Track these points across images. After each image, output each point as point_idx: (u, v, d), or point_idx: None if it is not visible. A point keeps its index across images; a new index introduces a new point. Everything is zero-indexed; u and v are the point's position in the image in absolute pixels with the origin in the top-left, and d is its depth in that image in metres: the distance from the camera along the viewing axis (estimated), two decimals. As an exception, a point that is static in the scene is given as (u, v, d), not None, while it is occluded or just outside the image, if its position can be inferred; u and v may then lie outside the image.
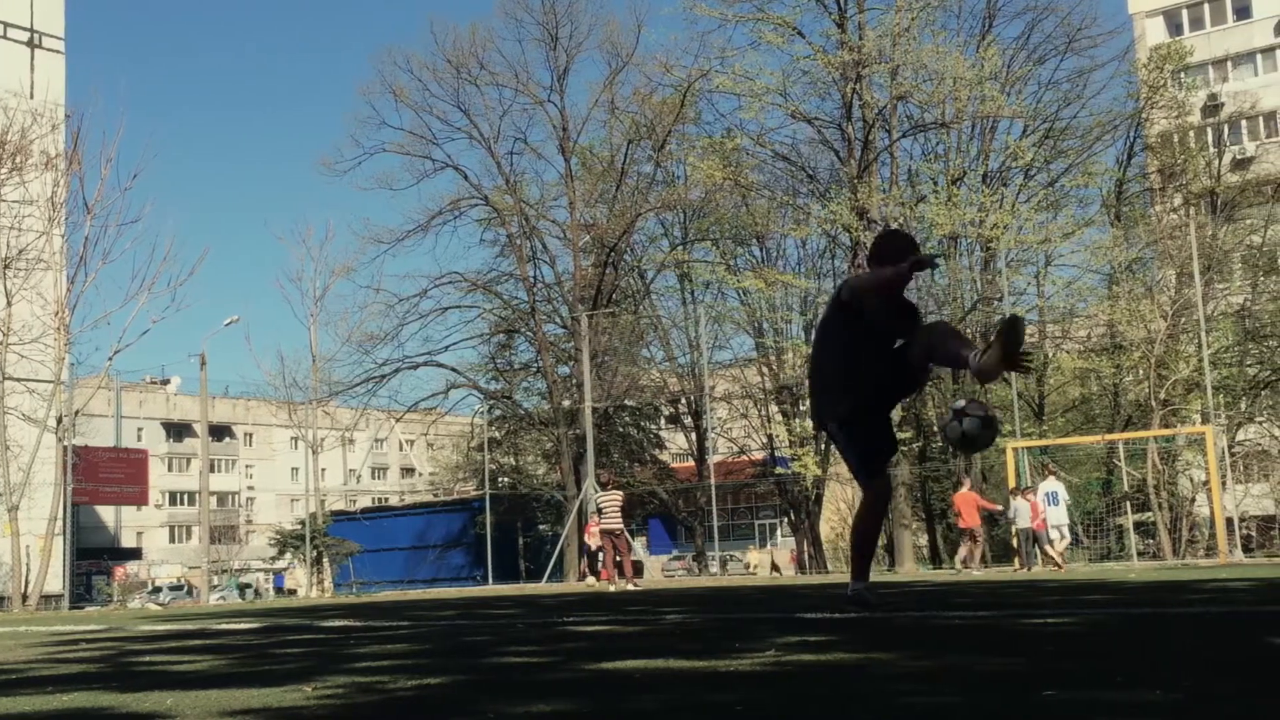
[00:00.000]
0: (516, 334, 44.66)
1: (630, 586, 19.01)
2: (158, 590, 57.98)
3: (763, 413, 42.77)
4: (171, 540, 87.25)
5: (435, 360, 42.77)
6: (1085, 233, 36.02)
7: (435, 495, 61.86)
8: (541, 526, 47.28)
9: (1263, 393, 36.50)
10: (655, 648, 4.50)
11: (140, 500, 54.30)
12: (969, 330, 31.78)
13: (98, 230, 31.70)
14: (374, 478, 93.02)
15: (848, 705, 2.76)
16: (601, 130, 43.80)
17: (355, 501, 67.84)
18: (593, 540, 25.04)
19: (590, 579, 25.36)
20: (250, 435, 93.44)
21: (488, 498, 41.49)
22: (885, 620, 5.79)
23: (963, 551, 23.84)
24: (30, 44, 56.64)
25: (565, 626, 6.37)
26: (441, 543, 48.32)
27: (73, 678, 4.29)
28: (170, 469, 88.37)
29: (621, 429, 46.36)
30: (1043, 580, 13.86)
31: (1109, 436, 31.75)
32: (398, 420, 45.38)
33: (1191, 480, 34.04)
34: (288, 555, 50.95)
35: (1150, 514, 30.99)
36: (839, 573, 34.24)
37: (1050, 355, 37.47)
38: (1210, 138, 45.08)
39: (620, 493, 21.15)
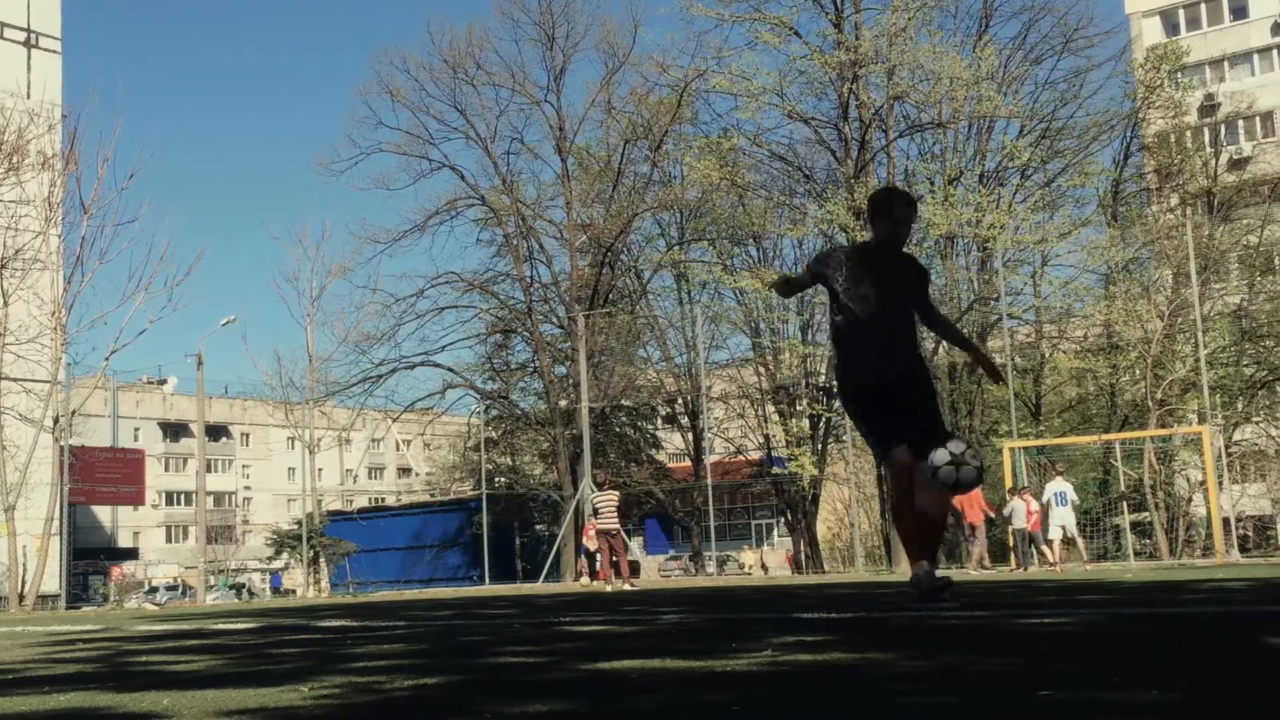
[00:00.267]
0: (513, 334, 44.63)
1: (627, 586, 19.02)
2: (154, 590, 57.92)
3: (759, 413, 42.78)
4: (168, 540, 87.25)
5: (432, 360, 42.80)
6: (1082, 233, 36.05)
7: (432, 495, 61.80)
8: (538, 526, 47.27)
9: (1259, 393, 36.52)
10: (652, 648, 4.50)
11: (137, 500, 54.10)
12: (966, 329, 31.78)
13: (94, 230, 31.66)
14: (371, 478, 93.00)
15: (844, 705, 2.76)
16: (598, 130, 43.85)
17: (352, 501, 67.81)
18: (591, 543, 25.03)
19: (585, 579, 25.37)
20: (247, 435, 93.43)
21: (484, 498, 41.45)
22: (881, 620, 5.79)
23: (977, 551, 23.86)
24: (27, 44, 56.56)
25: (562, 626, 6.37)
26: (438, 543, 48.26)
27: (69, 678, 4.28)
28: (167, 469, 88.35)
29: (618, 429, 46.35)
30: (1039, 580, 13.88)
31: (1106, 437, 31.77)
32: (394, 420, 45.35)
33: (1188, 480, 34.05)
34: (284, 555, 50.90)
35: (1147, 514, 31.00)
36: (835, 573, 34.29)
37: (1047, 355, 37.50)
38: (1207, 138, 45.14)
39: (616, 493, 21.16)
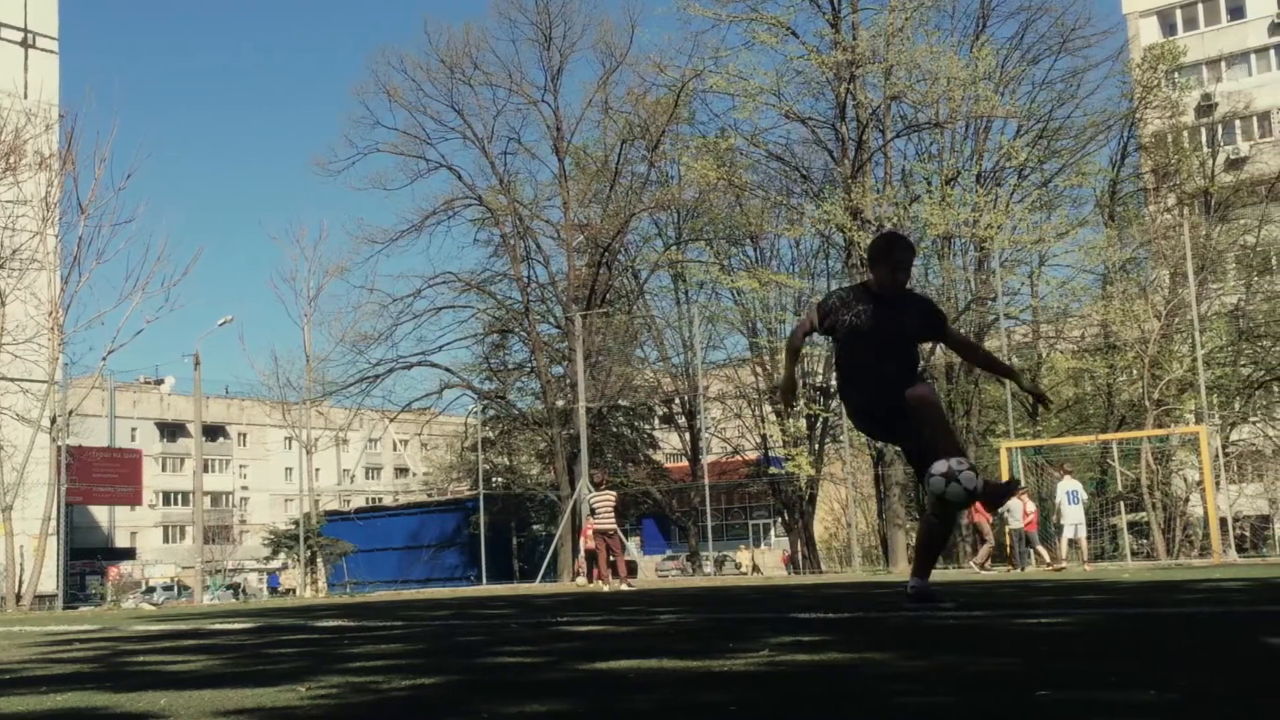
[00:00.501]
0: (510, 334, 44.61)
1: (624, 586, 19.01)
2: (151, 590, 57.88)
3: (756, 413, 42.74)
4: (165, 540, 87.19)
5: (429, 360, 42.77)
6: (1079, 233, 36.04)
7: (429, 495, 61.79)
8: (535, 527, 47.25)
9: (1256, 393, 36.52)
10: (649, 648, 4.50)
11: (134, 500, 54.14)
12: (965, 329, 31.78)
13: (91, 230, 31.64)
14: (368, 478, 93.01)
15: (841, 705, 2.76)
16: (595, 130, 43.82)
17: (349, 501, 67.73)
18: (589, 543, 25.00)
19: (581, 579, 25.36)
20: (244, 435, 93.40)
21: (481, 498, 41.41)
22: (879, 620, 5.80)
23: (984, 551, 23.88)
24: (24, 44, 56.50)
25: (559, 626, 6.37)
26: (435, 543, 48.24)
27: (67, 678, 4.28)
28: (164, 469, 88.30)
29: (615, 429, 46.32)
30: (1037, 580, 13.90)
31: (1103, 437, 31.80)
32: (391, 420, 45.31)
33: (1185, 480, 34.07)
34: (282, 555, 50.87)
35: (1144, 514, 31.02)
36: (832, 573, 34.28)
37: (1044, 355, 37.50)
38: (1204, 138, 45.19)
39: (613, 493, 21.13)
